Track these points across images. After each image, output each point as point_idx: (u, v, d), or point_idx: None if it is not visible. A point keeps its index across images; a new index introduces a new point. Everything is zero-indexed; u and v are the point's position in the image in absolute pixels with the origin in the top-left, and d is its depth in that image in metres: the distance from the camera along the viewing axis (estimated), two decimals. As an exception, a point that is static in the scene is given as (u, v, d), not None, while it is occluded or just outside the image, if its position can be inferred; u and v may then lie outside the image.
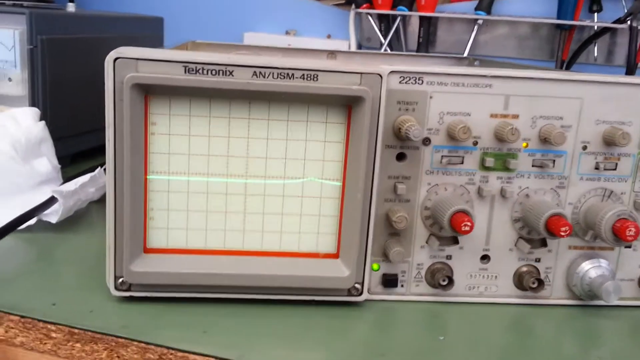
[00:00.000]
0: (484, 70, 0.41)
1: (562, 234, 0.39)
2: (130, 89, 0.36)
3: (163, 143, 0.39)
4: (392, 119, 0.41)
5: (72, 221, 0.53)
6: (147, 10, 0.98)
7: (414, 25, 1.05)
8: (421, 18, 1.02)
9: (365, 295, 0.42)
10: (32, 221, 0.51)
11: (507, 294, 0.44)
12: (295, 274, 0.41)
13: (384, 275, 0.43)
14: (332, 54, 0.84)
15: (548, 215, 0.40)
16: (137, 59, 0.36)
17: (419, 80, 0.40)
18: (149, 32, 0.86)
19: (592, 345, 0.40)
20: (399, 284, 0.44)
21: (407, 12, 1.02)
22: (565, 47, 1.00)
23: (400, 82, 0.40)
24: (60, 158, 0.61)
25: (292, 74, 0.38)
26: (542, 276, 0.44)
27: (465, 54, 1.00)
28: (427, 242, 0.43)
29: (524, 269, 0.44)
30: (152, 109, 0.38)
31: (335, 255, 0.42)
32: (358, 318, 0.41)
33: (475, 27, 1.01)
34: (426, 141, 0.41)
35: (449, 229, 0.40)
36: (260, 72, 0.38)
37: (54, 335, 0.36)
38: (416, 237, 0.43)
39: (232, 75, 0.37)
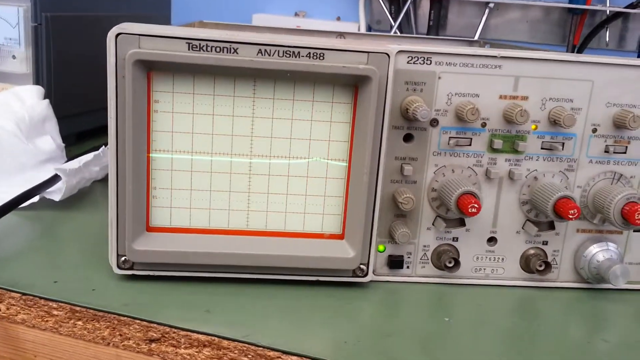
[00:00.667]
0: (493, 51, 0.40)
1: (571, 216, 0.39)
2: (133, 65, 0.36)
3: (166, 121, 0.39)
4: (400, 99, 0.40)
5: (76, 199, 0.53)
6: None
7: (425, 8, 1.04)
8: (432, 1, 1.01)
9: (370, 276, 0.42)
10: (36, 199, 0.50)
11: (513, 276, 0.44)
12: (299, 254, 0.40)
13: (390, 256, 0.43)
14: (341, 35, 0.83)
15: (556, 197, 0.40)
16: (140, 34, 0.36)
17: (427, 60, 0.40)
18: (156, 11, 0.85)
19: (598, 328, 0.40)
20: (405, 266, 0.43)
21: (416, -6, 1.00)
22: (577, 32, 0.99)
23: (408, 62, 0.39)
24: (65, 137, 0.61)
25: (298, 52, 0.37)
26: (550, 259, 0.44)
27: (476, 38, 0.98)
28: (433, 224, 0.43)
29: (531, 251, 0.43)
30: (155, 87, 0.38)
31: (341, 236, 0.42)
32: (363, 299, 0.41)
33: (487, 10, 1.00)
34: (434, 122, 0.41)
35: (456, 211, 0.40)
36: (265, 50, 0.37)
37: (55, 312, 0.36)
38: (422, 219, 0.42)
39: (237, 53, 0.37)
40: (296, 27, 1.04)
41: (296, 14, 1.11)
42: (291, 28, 0.82)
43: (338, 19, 1.10)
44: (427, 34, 1.02)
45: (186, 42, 0.36)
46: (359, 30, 1.06)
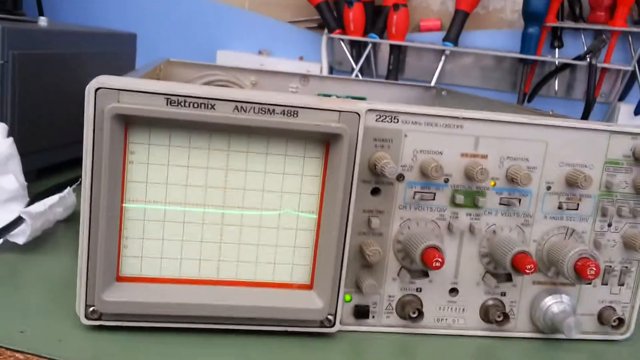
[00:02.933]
0: (455, 112, 0.42)
1: (527, 271, 0.41)
2: (111, 119, 0.36)
3: (141, 172, 0.39)
4: (368, 155, 0.42)
5: (39, 242, 0.52)
6: (120, 25, 0.97)
7: (385, 52, 1.08)
8: (391, 46, 1.05)
9: (337, 327, 0.43)
10: (-1, 242, 0.50)
11: (473, 326, 0.46)
12: (269, 305, 0.41)
13: (356, 306, 0.44)
14: (305, 77, 0.85)
15: (514, 253, 0.42)
16: (119, 89, 0.36)
17: (394, 118, 0.42)
18: (122, 48, 0.85)
19: (552, 378, 0.42)
20: (370, 315, 0.44)
21: (378, 40, 1.04)
22: (527, 80, 1.04)
23: (376, 120, 0.41)
24: (27, 173, 0.60)
25: (273, 110, 0.39)
26: (507, 310, 0.46)
27: (433, 83, 1.02)
28: (398, 275, 0.44)
29: (490, 302, 0.46)
30: (131, 138, 0.39)
31: (309, 286, 0.43)
32: (330, 349, 0.42)
33: (443, 57, 1.04)
34: (400, 177, 0.43)
35: (421, 264, 0.41)
36: (241, 107, 0.38)
37: (22, 365, 0.36)
38: (388, 270, 0.44)
39: (214, 109, 0.38)
40: (260, 65, 1.06)
41: (260, 52, 1.13)
42: (256, 69, 0.84)
43: (301, 58, 1.13)
44: (387, 77, 1.06)
45: (164, 98, 0.37)
46: (321, 70, 1.09)
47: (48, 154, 0.70)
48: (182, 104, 0.37)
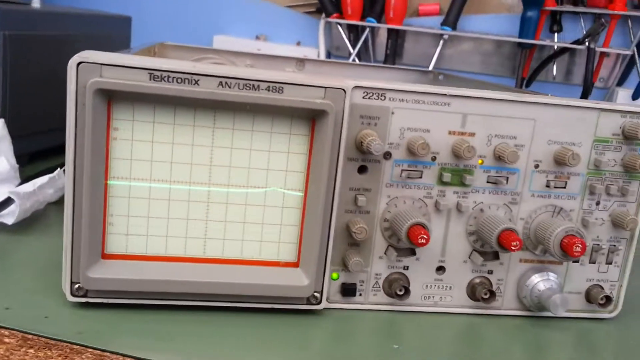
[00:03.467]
0: (442, 89, 0.42)
1: (513, 248, 0.41)
2: (93, 94, 0.36)
3: (125, 149, 0.39)
4: (355, 132, 0.42)
5: (29, 223, 0.52)
6: (116, 8, 0.97)
7: (382, 37, 1.07)
8: (389, 30, 1.04)
9: (324, 304, 0.43)
10: (-12, 222, 0.50)
11: (460, 304, 0.46)
12: (255, 282, 0.41)
13: (343, 284, 0.44)
14: (300, 62, 0.84)
15: (500, 230, 0.42)
16: (102, 64, 0.36)
17: (381, 96, 0.41)
18: (116, 31, 0.85)
19: (538, 355, 0.42)
20: (357, 293, 0.45)
21: (375, 24, 1.03)
22: (525, 65, 1.04)
23: (363, 97, 0.41)
24: (18, 157, 0.60)
25: (258, 85, 0.38)
26: (494, 288, 0.46)
27: (431, 67, 1.02)
28: (385, 253, 0.44)
29: (477, 280, 0.45)
30: (115, 114, 0.38)
31: (296, 264, 0.43)
32: (316, 326, 0.42)
33: (441, 41, 1.04)
34: (387, 155, 0.42)
35: (407, 241, 0.41)
36: (225, 82, 0.38)
37: (7, 340, 0.36)
38: (375, 248, 0.44)
39: (198, 84, 0.38)
40: (257, 50, 1.05)
41: (257, 37, 1.13)
42: (252, 52, 0.83)
43: (298, 43, 1.12)
44: (385, 62, 1.05)
45: (148, 73, 0.37)
46: (318, 55, 1.08)
47: (40, 138, 0.70)
48: (166, 79, 0.37)
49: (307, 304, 0.43)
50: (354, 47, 1.06)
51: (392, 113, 0.42)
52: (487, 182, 0.44)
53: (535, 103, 0.43)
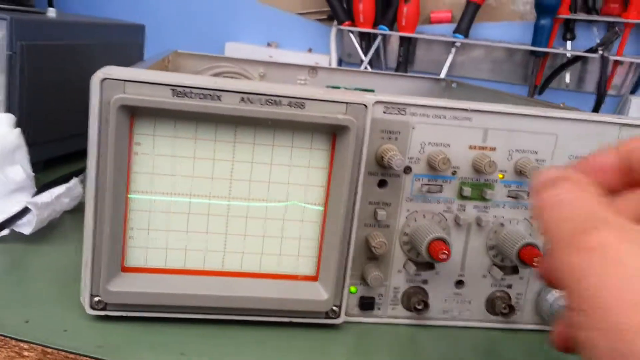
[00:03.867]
0: (464, 104, 0.42)
1: (535, 264, 0.41)
2: (117, 110, 0.36)
3: (147, 163, 0.39)
4: (375, 147, 0.41)
5: (46, 232, 0.52)
6: (129, 17, 0.97)
7: (394, 44, 1.07)
8: (401, 38, 1.04)
9: (342, 318, 0.43)
10: (5, 232, 0.50)
11: (479, 318, 0.46)
12: (274, 295, 0.41)
13: (361, 298, 0.44)
14: (313, 69, 0.85)
15: (521, 245, 0.41)
16: (125, 80, 0.36)
17: (402, 110, 0.41)
18: (130, 39, 0.85)
19: (559, 373, 0.41)
20: (376, 307, 0.44)
21: (387, 32, 1.03)
22: (538, 73, 1.03)
23: (384, 112, 0.41)
24: (33, 164, 0.61)
25: (280, 101, 0.38)
26: (513, 302, 0.45)
27: (443, 75, 1.02)
28: (404, 267, 0.44)
29: (497, 294, 0.45)
30: (137, 129, 0.38)
31: (315, 278, 0.43)
32: (335, 340, 0.42)
33: (453, 49, 1.04)
34: (407, 170, 0.42)
35: (427, 256, 0.41)
36: (247, 98, 0.38)
37: (26, 354, 0.36)
38: (394, 262, 0.44)
39: (220, 100, 0.38)
40: (269, 57, 1.06)
41: (269, 44, 1.13)
42: (264, 60, 0.83)
43: (310, 50, 1.12)
44: (397, 70, 1.05)
45: (170, 89, 0.37)
46: (330, 62, 1.08)
47: (56, 145, 0.70)
48: (188, 94, 0.37)
49: (325, 318, 0.42)
50: (365, 54, 1.06)
51: (413, 128, 0.42)
52: (508, 196, 0.44)
53: (557, 118, 0.43)
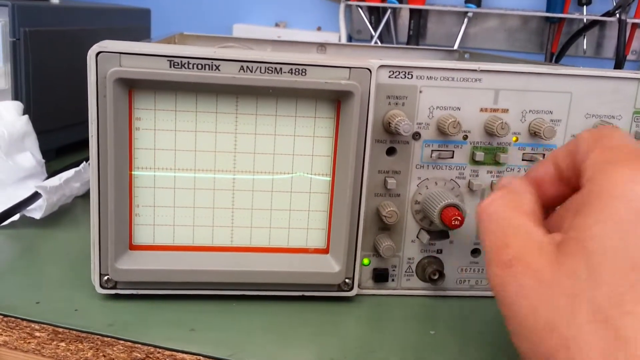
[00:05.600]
0: (473, 65, 0.40)
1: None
2: (114, 83, 0.35)
3: (148, 138, 0.39)
4: (382, 113, 0.40)
5: (56, 217, 0.52)
6: (134, 1, 0.96)
7: (404, 18, 1.05)
8: (411, 11, 1.02)
9: (355, 290, 0.42)
10: (16, 217, 0.50)
11: (497, 288, 0.44)
12: (284, 269, 0.40)
13: (375, 269, 0.43)
14: (322, 46, 0.83)
15: (538, 209, 0.40)
16: (121, 52, 0.36)
17: (408, 74, 0.40)
18: (135, 23, 0.85)
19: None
20: (390, 279, 0.43)
21: (397, 5, 1.01)
22: (554, 40, 1.00)
23: (389, 77, 0.40)
24: (45, 152, 0.61)
25: (280, 69, 0.37)
26: (532, 270, 0.44)
27: (455, 47, 0.99)
28: (417, 237, 0.43)
29: (514, 263, 0.44)
30: (136, 104, 0.38)
31: (325, 251, 0.42)
32: (349, 313, 0.41)
33: (466, 19, 1.01)
34: (416, 136, 0.41)
35: (440, 224, 0.40)
36: (247, 67, 0.37)
37: (37, 334, 0.36)
38: (406, 232, 0.43)
39: (219, 70, 0.37)
40: (277, 37, 1.04)
41: (277, 24, 1.11)
42: (272, 39, 0.82)
43: (319, 29, 1.11)
44: (407, 44, 1.03)
45: (167, 60, 0.36)
46: (339, 40, 1.07)
47: (66, 133, 0.70)
48: (186, 65, 0.36)
49: (338, 291, 0.42)
50: (375, 29, 1.04)
51: (420, 92, 0.40)
52: (523, 159, 0.42)
53: (571, 75, 0.41)
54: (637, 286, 0.22)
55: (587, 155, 0.27)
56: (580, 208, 0.25)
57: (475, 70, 0.40)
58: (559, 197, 0.30)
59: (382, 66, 0.39)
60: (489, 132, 0.41)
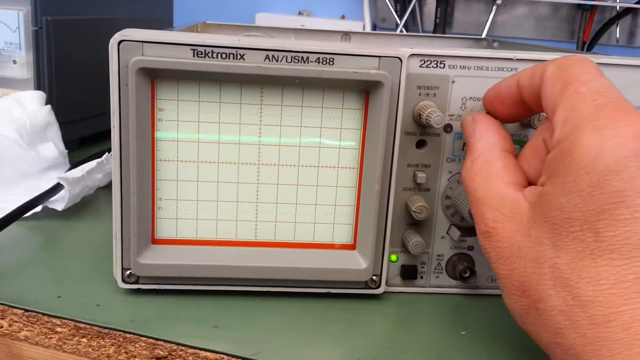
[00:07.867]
0: (509, 53, 0.38)
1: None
2: (136, 73, 0.34)
3: (171, 129, 0.37)
4: (412, 104, 0.38)
5: (79, 208, 0.52)
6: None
7: (430, 6, 1.02)
8: (437, -2, 0.99)
9: (383, 288, 0.40)
10: (38, 208, 0.49)
11: (530, 287, 0.43)
12: (309, 266, 0.39)
13: (403, 266, 0.42)
14: (346, 35, 0.81)
15: (576, 206, 0.38)
16: (143, 41, 0.34)
17: (440, 63, 0.38)
18: (158, 12, 0.84)
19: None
20: (419, 276, 0.42)
21: (422, -8, 0.99)
22: (586, 28, 0.97)
23: (420, 66, 0.38)
24: (67, 143, 0.60)
25: (307, 58, 0.36)
26: (568, 269, 0.42)
27: (483, 35, 0.97)
28: (447, 233, 0.41)
29: (549, 261, 0.42)
30: (159, 94, 0.37)
31: (352, 246, 0.40)
32: (376, 311, 0.39)
33: (494, 7, 0.98)
34: (448, 128, 0.39)
35: (471, 220, 0.38)
36: (272, 56, 0.36)
37: (59, 329, 0.35)
38: (436, 228, 0.41)
39: (243, 59, 0.35)
40: (300, 26, 1.02)
41: (300, 13, 1.10)
42: (295, 28, 0.81)
43: (342, 17, 1.09)
44: (434, 32, 1.01)
45: (191, 49, 0.35)
46: (363, 28, 1.05)
47: (89, 123, 0.70)
48: (210, 54, 0.35)
49: (365, 288, 0.40)
50: (400, 18, 1.01)
51: (453, 82, 0.39)
52: (559, 153, 0.40)
53: (607, 64, 0.39)
54: (595, 254, 0.25)
55: (553, 102, 0.29)
56: (552, 173, 0.27)
57: (511, 59, 0.38)
58: (516, 116, 0.35)
59: (412, 55, 0.38)
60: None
